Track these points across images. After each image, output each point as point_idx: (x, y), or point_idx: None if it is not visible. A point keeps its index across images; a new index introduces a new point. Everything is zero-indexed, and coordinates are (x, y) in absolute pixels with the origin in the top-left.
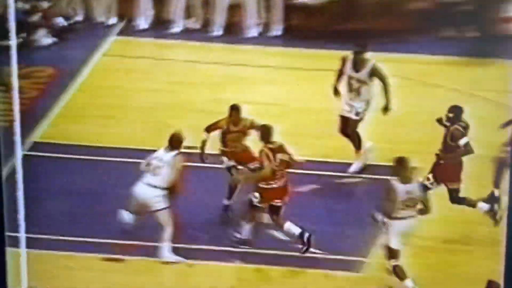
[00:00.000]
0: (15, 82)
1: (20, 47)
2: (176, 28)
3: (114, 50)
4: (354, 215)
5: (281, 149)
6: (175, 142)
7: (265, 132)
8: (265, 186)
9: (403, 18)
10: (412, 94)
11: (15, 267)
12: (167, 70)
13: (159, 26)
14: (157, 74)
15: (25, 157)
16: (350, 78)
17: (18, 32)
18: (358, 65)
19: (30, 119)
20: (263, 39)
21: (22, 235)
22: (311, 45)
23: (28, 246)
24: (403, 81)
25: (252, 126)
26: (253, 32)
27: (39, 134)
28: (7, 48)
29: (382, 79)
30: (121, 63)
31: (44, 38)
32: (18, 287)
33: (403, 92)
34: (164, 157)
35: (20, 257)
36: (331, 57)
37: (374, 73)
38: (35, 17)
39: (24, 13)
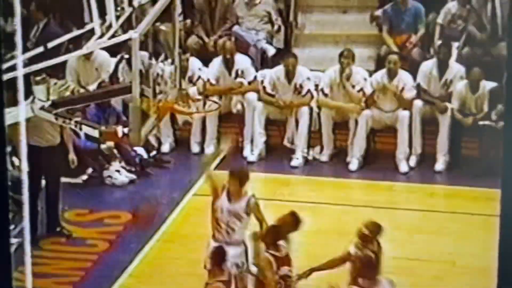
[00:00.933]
0: None
1: (87, 184)
2: (296, 160)
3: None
4: None
5: (287, 260)
6: (245, 178)
7: (273, 232)
8: None
9: None
10: None
11: None
12: (281, 212)
13: (271, 157)
14: (267, 217)
15: None
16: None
17: (85, 164)
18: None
19: (96, 281)
20: None
21: None
22: None
23: None
24: None
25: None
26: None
27: None
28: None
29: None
30: None
31: (118, 174)
32: None
33: None
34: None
35: None
36: None
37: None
38: (107, 146)
39: (91, 139)
